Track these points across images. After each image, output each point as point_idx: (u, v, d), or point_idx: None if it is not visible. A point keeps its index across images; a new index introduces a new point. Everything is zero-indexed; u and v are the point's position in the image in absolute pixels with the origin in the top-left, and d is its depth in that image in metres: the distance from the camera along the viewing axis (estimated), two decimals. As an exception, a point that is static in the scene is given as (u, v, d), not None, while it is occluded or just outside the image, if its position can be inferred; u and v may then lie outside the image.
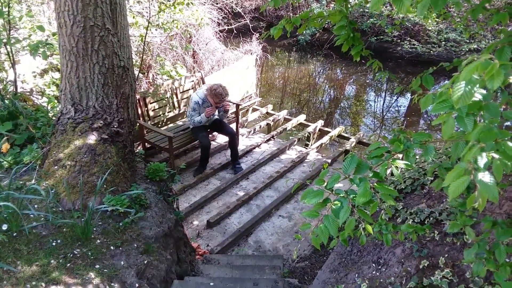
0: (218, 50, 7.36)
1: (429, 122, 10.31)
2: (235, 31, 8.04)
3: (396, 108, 11.27)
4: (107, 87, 2.95)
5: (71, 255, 2.29)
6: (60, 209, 2.59)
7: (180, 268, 2.99)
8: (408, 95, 12.36)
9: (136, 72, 3.80)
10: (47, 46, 3.28)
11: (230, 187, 5.24)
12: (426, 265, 2.16)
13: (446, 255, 2.20)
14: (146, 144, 5.42)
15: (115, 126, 2.95)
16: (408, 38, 11.82)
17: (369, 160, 1.53)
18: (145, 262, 2.48)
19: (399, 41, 12.17)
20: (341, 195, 1.49)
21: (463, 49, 10.44)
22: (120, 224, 2.60)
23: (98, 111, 2.94)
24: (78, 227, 2.40)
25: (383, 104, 11.65)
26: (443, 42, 11.10)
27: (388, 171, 1.69)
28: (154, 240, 2.67)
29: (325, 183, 1.57)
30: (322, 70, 14.13)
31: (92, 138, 2.83)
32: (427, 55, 11.39)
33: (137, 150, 3.62)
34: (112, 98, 2.98)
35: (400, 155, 1.47)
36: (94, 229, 2.54)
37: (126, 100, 3.07)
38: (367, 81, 13.43)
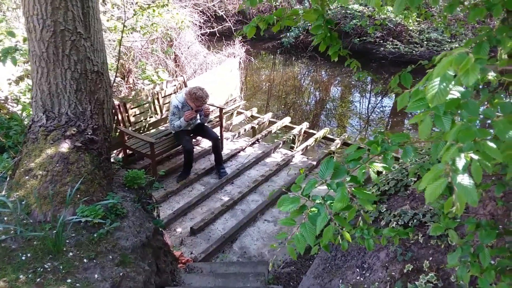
0: (201, 54, 7.27)
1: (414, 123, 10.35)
2: (218, 34, 7.97)
3: (381, 109, 11.31)
4: (80, 93, 2.84)
5: (41, 270, 2.18)
6: (31, 221, 2.47)
7: (160, 278, 2.88)
8: (393, 95, 12.44)
9: (113, 77, 3.70)
10: (18, 52, 3.17)
11: (214, 192, 5.14)
12: (410, 269, 2.11)
13: (430, 258, 2.15)
14: (128, 150, 5.30)
15: (89, 133, 2.84)
16: (391, 39, 11.89)
17: (346, 163, 1.46)
18: (121, 274, 2.37)
19: (382, 41, 12.24)
20: (318, 201, 1.42)
21: (445, 49, 10.53)
22: (95, 235, 2.50)
23: (71, 118, 2.83)
24: (49, 240, 2.29)
25: (368, 105, 11.68)
26: (425, 42, 11.19)
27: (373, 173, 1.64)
28: (131, 251, 2.56)
29: (302, 189, 1.50)
30: (307, 72, 14.14)
31: (64, 146, 2.72)
32: (410, 55, 11.47)
33: (114, 158, 3.51)
34: (85, 105, 2.87)
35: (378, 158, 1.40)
36: (67, 241, 2.43)
37: (100, 106, 2.96)
38: (352, 82, 13.47)
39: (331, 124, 10.31)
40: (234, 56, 7.66)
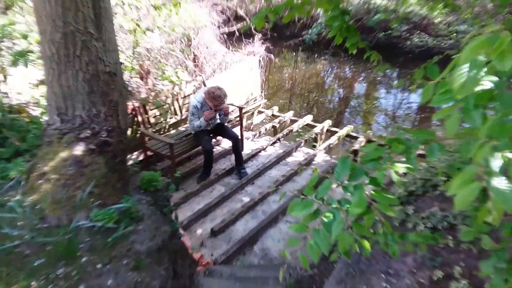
0: (220, 53, 7.20)
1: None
2: (237, 33, 7.88)
3: (408, 105, 10.96)
4: (93, 94, 2.80)
5: (54, 276, 2.13)
6: (45, 225, 2.44)
7: (178, 283, 2.81)
8: (421, 91, 12.01)
9: (129, 78, 3.67)
10: (31, 54, 3.16)
11: (235, 193, 5.06)
12: (440, 276, 1.94)
13: (462, 264, 1.98)
14: (148, 152, 5.28)
15: (104, 136, 2.79)
16: (418, 32, 11.50)
17: (364, 164, 1.33)
18: (136, 280, 2.31)
19: (408, 35, 11.85)
20: (333, 205, 1.29)
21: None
22: (109, 239, 2.44)
23: (85, 121, 2.79)
24: (62, 245, 2.25)
25: (394, 101, 11.35)
26: (454, 34, 10.75)
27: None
28: (146, 255, 2.50)
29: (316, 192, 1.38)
30: (330, 69, 13.89)
31: (78, 149, 2.68)
32: (438, 48, 11.05)
33: (131, 160, 3.47)
34: (99, 106, 2.83)
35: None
36: (81, 246, 2.38)
37: (114, 108, 2.91)
38: (377, 78, 13.14)
39: (356, 122, 10.06)
40: (254, 55, 7.55)
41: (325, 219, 1.26)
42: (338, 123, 8.89)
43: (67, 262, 2.23)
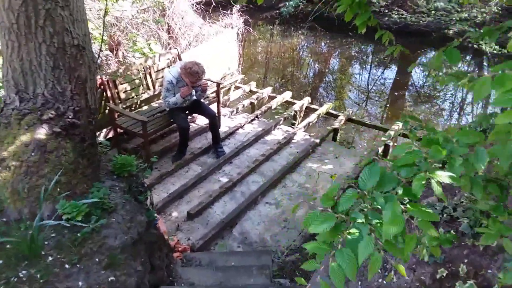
0: (196, 25, 6.79)
1: (417, 95, 10.03)
2: (214, 3, 7.46)
3: (382, 81, 10.92)
4: (58, 70, 2.47)
5: (15, 279, 1.89)
6: (4, 220, 2.17)
7: (155, 276, 2.62)
8: (394, 67, 12.00)
9: (98, 51, 3.32)
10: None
11: (212, 173, 4.85)
12: (444, 274, 1.83)
13: (465, 261, 1.87)
14: (118, 129, 4.95)
15: (70, 117, 2.49)
16: (396, 8, 11.35)
17: (395, 170, 1.15)
18: (109, 279, 2.10)
19: (386, 11, 11.68)
20: (359, 220, 1.11)
21: (454, 18, 10.04)
22: (78, 234, 2.20)
23: (48, 100, 2.47)
24: (24, 243, 1.99)
25: (369, 78, 11.28)
26: (433, 12, 10.66)
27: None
28: (121, 251, 2.28)
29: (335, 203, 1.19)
30: (306, 44, 13.63)
31: (41, 132, 2.38)
32: (416, 25, 10.96)
33: (101, 140, 3.18)
34: (65, 84, 2.51)
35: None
36: (46, 243, 2.13)
37: (82, 85, 2.60)
38: (352, 53, 13.01)
39: (330, 97, 9.96)
40: (232, 27, 7.19)
41: (350, 237, 1.07)
42: (313, 99, 8.75)
43: (31, 263, 1.99)
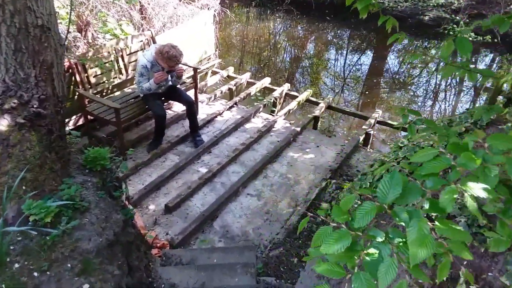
0: (170, 5, 6.43)
1: (392, 82, 10.05)
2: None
3: (358, 67, 10.89)
4: (20, 53, 2.20)
5: (-26, 293, 1.66)
6: (-40, 224, 1.92)
7: (133, 278, 2.43)
8: (369, 53, 11.98)
9: (66, 33, 3.02)
10: None
11: (190, 163, 4.64)
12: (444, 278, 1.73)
13: (465, 262, 1.78)
14: (89, 116, 4.64)
15: (35, 106, 2.23)
16: (374, -8, 11.22)
17: (419, 179, 1.00)
18: (84, 287, 1.89)
19: (363, -5, 11.56)
20: (379, 239, 0.95)
21: (430, 4, 10.04)
22: (47, 238, 1.97)
23: (10, 87, 2.20)
24: (-15, 251, 1.76)
25: (345, 64, 11.22)
26: (411, -3, 10.62)
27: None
28: (95, 254, 2.07)
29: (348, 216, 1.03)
30: (282, 27, 13.39)
31: (3, 124, 2.12)
32: (393, 11, 10.92)
33: (70, 131, 2.91)
34: (28, 69, 2.24)
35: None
36: (11, 248, 1.90)
37: (48, 71, 2.33)
38: (329, 38, 12.89)
39: (306, 83, 9.84)
40: (208, 8, 6.88)
41: (368, 259, 0.92)
42: (290, 85, 8.61)
43: (-7, 273, 1.76)
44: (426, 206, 1.00)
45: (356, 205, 1.15)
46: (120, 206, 2.56)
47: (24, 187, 2.08)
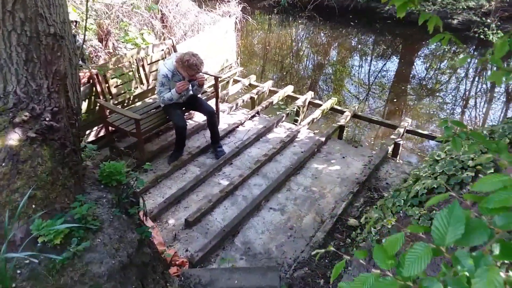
0: (191, 13, 6.38)
1: (419, 88, 9.70)
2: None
3: (383, 74, 10.58)
4: (31, 64, 2.10)
5: (-25, 324, 1.54)
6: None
7: (149, 303, 2.27)
8: (395, 58, 11.64)
9: (81, 39, 2.93)
10: None
11: (211, 175, 4.49)
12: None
13: None
14: (110, 127, 4.57)
15: (47, 119, 2.12)
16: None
17: (487, 214, 0.80)
18: (94, 316, 1.75)
19: None
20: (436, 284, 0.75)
21: (460, 7, 9.65)
22: (57, 261, 1.84)
23: (22, 99, 2.09)
24: (-11, 276, 1.63)
25: (369, 70, 10.94)
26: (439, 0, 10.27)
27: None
28: (107, 278, 1.93)
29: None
30: (305, 34, 13.22)
31: (13, 138, 2.01)
32: (417, 15, 10.57)
33: (85, 144, 2.80)
34: (40, 80, 2.14)
35: None
36: (18, 272, 1.77)
37: (61, 81, 2.23)
38: (353, 44, 12.63)
39: (329, 91, 9.61)
40: (230, 16, 6.78)
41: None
42: (313, 93, 8.40)
43: (-4, 301, 1.63)
44: (497, 250, 0.79)
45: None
46: (136, 224, 2.42)
47: (34, 206, 1.96)
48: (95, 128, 4.76)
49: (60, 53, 2.20)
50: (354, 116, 5.81)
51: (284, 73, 10.15)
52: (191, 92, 4.63)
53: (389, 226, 2.36)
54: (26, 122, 2.07)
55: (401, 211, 2.51)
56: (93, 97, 4.50)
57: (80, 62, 4.57)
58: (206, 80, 4.70)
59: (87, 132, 4.68)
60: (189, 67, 4.10)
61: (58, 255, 1.85)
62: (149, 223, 3.67)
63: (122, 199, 2.46)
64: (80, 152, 2.43)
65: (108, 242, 2.06)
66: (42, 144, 2.09)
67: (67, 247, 1.89)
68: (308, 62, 11.49)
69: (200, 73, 4.33)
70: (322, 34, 13.03)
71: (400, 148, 5.15)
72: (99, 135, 4.79)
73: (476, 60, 11.41)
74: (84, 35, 2.60)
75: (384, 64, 11.21)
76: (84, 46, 4.41)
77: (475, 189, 0.91)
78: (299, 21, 13.32)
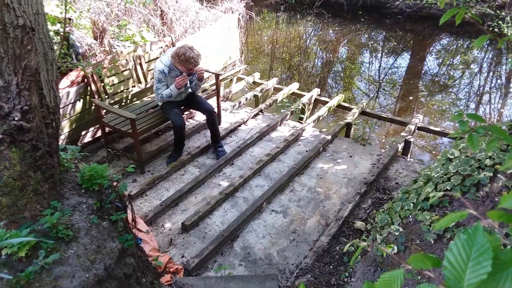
0: (192, 9, 6.19)
1: (431, 84, 9.38)
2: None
3: (394, 70, 10.27)
4: (-2, 58, 1.92)
5: None
6: None
7: (132, 318, 2.08)
8: (406, 54, 11.31)
9: (62, 33, 2.75)
10: None
11: (211, 176, 4.29)
12: None
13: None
14: (106, 128, 4.40)
15: (17, 118, 1.93)
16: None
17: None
18: (60, 338, 1.55)
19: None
20: None
21: (473, 0, 9.30)
22: (22, 275, 1.65)
23: (-12, 97, 1.92)
24: None
25: (380, 67, 10.64)
26: (450, -7, 9.91)
27: None
28: (80, 295, 1.73)
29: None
30: (313, 31, 12.95)
31: (-22, 139, 1.83)
32: (429, 9, 10.24)
33: (65, 146, 2.61)
34: (9, 76, 1.95)
35: None
36: (-24, 288, 1.59)
37: (33, 77, 2.04)
38: (363, 41, 12.32)
39: (339, 88, 9.35)
40: (232, 12, 6.58)
41: None
42: (322, 91, 8.14)
43: None
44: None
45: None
46: (118, 232, 2.22)
47: (-1, 214, 1.78)
48: (91, 128, 4.60)
49: (30, 46, 2.01)
50: (363, 113, 5.56)
51: (291, 71, 9.92)
52: (190, 90, 4.44)
53: (397, 234, 2.13)
54: (-7, 122, 1.89)
55: (410, 216, 2.27)
56: (88, 97, 4.34)
57: (74, 61, 4.41)
58: (207, 78, 4.50)
59: (83, 133, 4.53)
60: (186, 60, 3.91)
61: (24, 269, 1.67)
62: (144, 227, 3.49)
63: (105, 205, 2.27)
64: (58, 154, 2.24)
65: (82, 253, 1.87)
66: (10, 146, 1.90)
67: (33, 260, 1.70)
68: (316, 59, 11.24)
69: (199, 66, 4.13)
70: (330, 31, 12.74)
71: (411, 146, 4.88)
72: (95, 136, 4.64)
73: (490, 55, 11.01)
74: (64, 29, 2.41)
75: (395, 60, 10.91)
76: (78, 44, 4.25)
77: (504, 205, 0.69)
78: (307, 18, 13.06)
